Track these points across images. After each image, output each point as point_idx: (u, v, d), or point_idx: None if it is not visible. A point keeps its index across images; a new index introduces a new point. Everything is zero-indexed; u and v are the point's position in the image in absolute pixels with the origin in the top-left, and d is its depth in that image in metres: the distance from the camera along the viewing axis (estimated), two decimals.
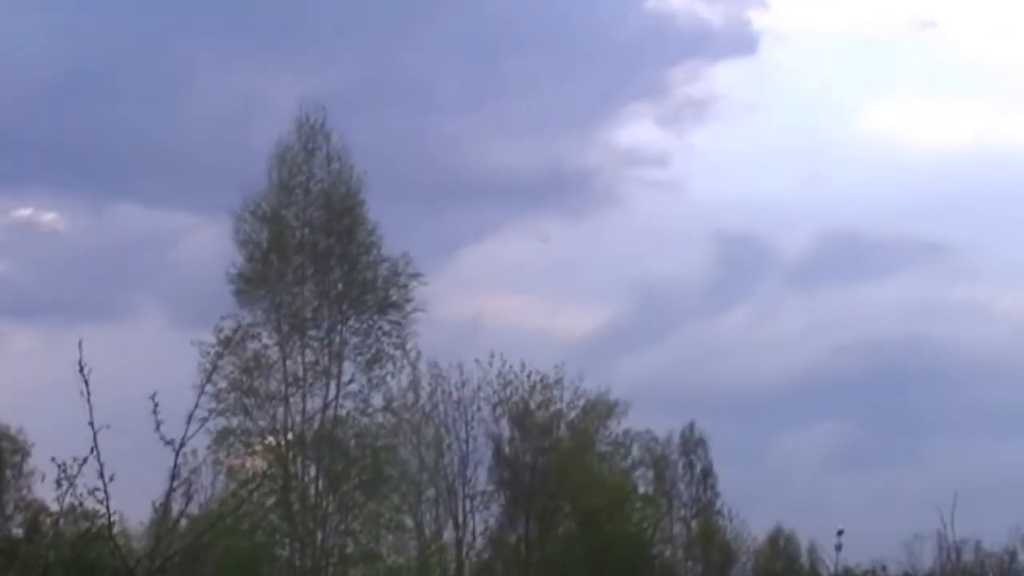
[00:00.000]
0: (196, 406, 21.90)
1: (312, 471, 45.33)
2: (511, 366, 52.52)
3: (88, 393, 19.28)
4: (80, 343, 19.23)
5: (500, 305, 78.84)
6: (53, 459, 19.99)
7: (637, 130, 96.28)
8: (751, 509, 64.84)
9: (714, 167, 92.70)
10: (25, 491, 56.27)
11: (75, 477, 19.92)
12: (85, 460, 19.72)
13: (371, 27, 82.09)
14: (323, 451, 44.76)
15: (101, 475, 19.64)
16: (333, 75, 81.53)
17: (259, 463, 44.14)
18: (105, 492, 19.82)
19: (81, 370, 19.18)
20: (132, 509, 43.10)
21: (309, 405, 44.94)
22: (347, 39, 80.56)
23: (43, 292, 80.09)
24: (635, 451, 61.33)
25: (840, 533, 57.65)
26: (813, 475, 76.12)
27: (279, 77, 75.38)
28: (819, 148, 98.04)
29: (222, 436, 43.14)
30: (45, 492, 39.29)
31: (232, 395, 43.66)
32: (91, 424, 19.38)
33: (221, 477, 45.35)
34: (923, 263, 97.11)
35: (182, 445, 20.53)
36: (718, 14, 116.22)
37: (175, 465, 20.92)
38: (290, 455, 44.80)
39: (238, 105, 75.27)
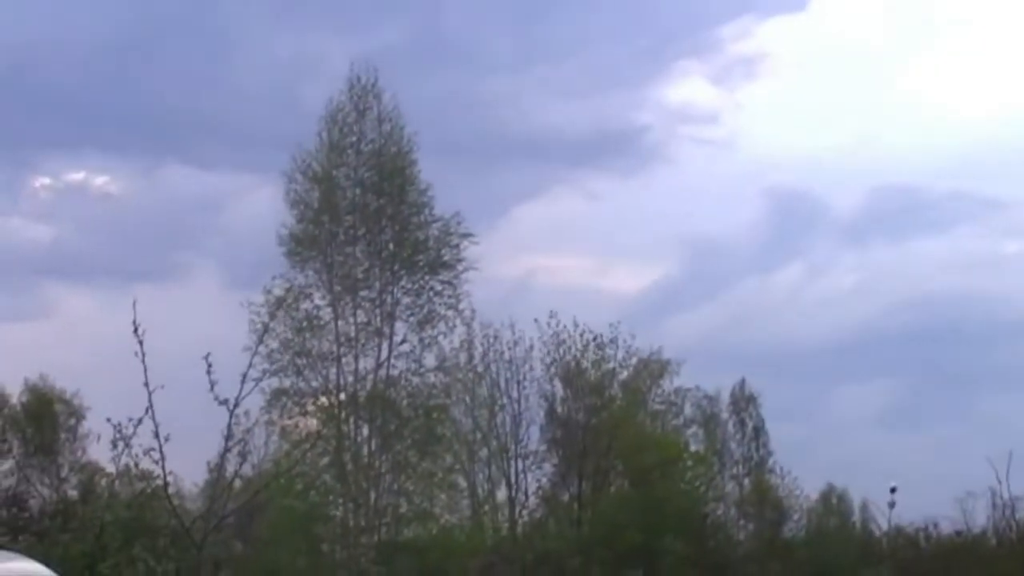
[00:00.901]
0: (249, 366, 22.08)
1: (365, 431, 45.46)
2: (564, 325, 52.33)
3: (143, 353, 19.36)
4: (134, 302, 19.33)
5: (551, 264, 78.38)
6: (109, 419, 20.15)
7: (688, 88, 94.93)
8: (803, 467, 64.32)
9: (765, 124, 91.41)
10: (80, 453, 56.65)
11: (131, 437, 20.05)
12: (140, 420, 19.82)
13: None
14: (376, 411, 44.85)
15: (156, 435, 19.76)
16: (383, 35, 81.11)
17: (312, 423, 44.30)
18: (160, 452, 19.97)
19: (135, 329, 19.25)
20: (187, 469, 43.57)
21: (362, 365, 45.12)
22: None
23: (96, 255, 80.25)
24: (687, 409, 61.11)
25: (893, 491, 57.03)
26: (866, 432, 75.33)
27: (330, 37, 75.07)
28: (871, 104, 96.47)
29: (275, 396, 43.32)
30: (100, 454, 39.57)
31: (285, 356, 43.85)
32: (146, 384, 19.49)
33: (274, 438, 45.52)
34: (976, 218, 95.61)
35: (236, 405, 20.68)
36: None
37: (229, 425, 21.09)
38: (343, 415, 44.92)
39: (289, 65, 74.92)
